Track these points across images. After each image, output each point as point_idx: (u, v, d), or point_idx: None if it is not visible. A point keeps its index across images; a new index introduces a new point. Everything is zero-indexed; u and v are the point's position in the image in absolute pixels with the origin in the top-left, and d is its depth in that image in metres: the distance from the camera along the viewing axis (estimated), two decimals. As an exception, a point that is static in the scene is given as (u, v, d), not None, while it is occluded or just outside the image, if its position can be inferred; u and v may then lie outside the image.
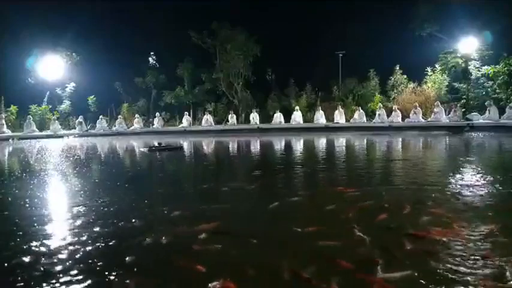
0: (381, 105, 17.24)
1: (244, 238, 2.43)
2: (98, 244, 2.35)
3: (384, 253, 2.08)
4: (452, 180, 4.19)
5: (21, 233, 2.64)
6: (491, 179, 4.24)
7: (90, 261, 2.08)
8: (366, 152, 8.73)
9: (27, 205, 3.46)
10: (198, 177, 5.61)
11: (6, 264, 2.11)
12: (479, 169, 5.06)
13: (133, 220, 2.88)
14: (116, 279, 1.87)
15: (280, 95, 21.12)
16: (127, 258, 2.12)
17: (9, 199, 3.94)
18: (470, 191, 3.55)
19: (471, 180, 4.15)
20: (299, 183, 4.65)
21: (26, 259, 2.14)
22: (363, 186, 3.99)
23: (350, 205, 3.10)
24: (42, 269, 2.00)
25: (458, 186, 3.81)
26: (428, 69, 18.23)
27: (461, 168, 5.26)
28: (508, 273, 1.76)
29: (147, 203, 3.53)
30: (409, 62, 18.09)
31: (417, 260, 1.97)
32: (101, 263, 2.05)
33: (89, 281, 1.85)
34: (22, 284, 1.85)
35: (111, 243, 2.38)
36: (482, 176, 4.42)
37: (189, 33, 20.87)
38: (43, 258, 2.13)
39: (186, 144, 11.51)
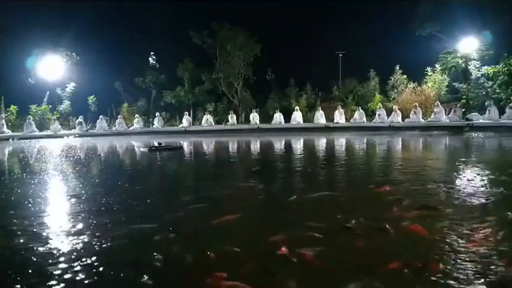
0: (381, 105, 17.26)
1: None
2: (101, 244, 2.35)
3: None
4: (454, 180, 4.20)
5: (19, 232, 2.63)
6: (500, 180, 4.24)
7: (93, 260, 2.08)
8: (374, 152, 8.73)
9: (30, 204, 3.46)
10: (202, 176, 5.60)
11: (8, 263, 2.11)
12: (482, 169, 5.06)
13: (138, 219, 2.88)
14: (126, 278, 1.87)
15: (280, 95, 21.14)
16: (136, 258, 2.12)
17: (13, 198, 3.93)
18: (474, 191, 3.55)
19: (475, 180, 4.15)
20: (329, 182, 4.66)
21: (29, 259, 2.14)
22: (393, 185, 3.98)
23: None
24: (44, 269, 2.00)
25: (461, 186, 3.82)
26: (428, 69, 18.26)
27: (464, 169, 5.26)
28: None
29: (149, 202, 3.53)
30: (409, 62, 18.13)
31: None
32: (105, 262, 2.05)
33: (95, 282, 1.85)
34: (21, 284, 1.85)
35: (114, 242, 2.38)
36: (486, 177, 4.41)
37: (189, 33, 20.90)
38: (45, 258, 2.13)
39: (186, 144, 11.51)
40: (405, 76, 18.88)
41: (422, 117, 15.87)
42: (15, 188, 4.56)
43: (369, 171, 5.49)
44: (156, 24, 21.04)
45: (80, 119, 18.93)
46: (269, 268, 1.90)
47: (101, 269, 1.97)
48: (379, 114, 16.65)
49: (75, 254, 2.17)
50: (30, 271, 1.97)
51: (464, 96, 17.07)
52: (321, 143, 11.19)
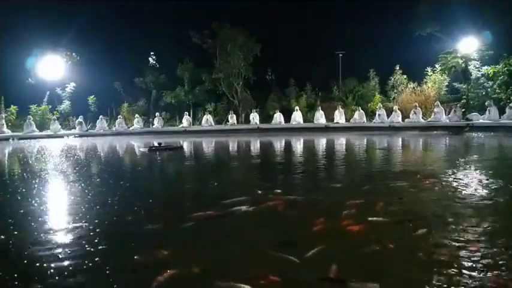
0: (381, 106, 17.26)
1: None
2: (107, 245, 2.35)
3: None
4: (442, 173, 4.21)
5: (21, 232, 2.64)
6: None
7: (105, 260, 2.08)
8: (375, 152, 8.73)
9: (36, 204, 3.46)
10: (205, 175, 5.59)
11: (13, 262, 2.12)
12: (481, 168, 5.06)
13: (137, 218, 2.88)
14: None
15: (280, 95, 21.13)
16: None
17: (18, 198, 3.93)
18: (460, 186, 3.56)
19: (464, 177, 4.16)
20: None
21: (37, 260, 2.15)
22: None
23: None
24: (50, 270, 2.00)
25: (451, 179, 3.83)
26: (428, 69, 18.25)
27: (460, 167, 5.26)
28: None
29: (151, 202, 3.54)
30: (409, 62, 18.12)
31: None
32: (111, 262, 2.05)
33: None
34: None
35: (120, 243, 2.39)
36: (486, 177, 4.42)
37: (189, 33, 20.88)
38: (52, 259, 2.13)
39: (186, 144, 11.51)
40: (405, 76, 18.86)
41: (422, 117, 15.86)
42: (19, 187, 4.56)
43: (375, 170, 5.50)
44: (156, 24, 21.04)
45: (80, 119, 18.91)
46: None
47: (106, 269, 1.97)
48: (379, 115, 16.64)
49: (75, 252, 2.17)
50: (29, 268, 1.97)
51: (464, 96, 17.07)
52: (322, 143, 11.19)
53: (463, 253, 2.02)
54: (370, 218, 2.69)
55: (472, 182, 4.00)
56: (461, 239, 2.23)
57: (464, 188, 3.67)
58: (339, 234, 2.42)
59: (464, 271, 1.80)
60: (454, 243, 2.15)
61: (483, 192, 3.51)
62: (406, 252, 2.12)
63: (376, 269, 1.91)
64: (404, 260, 2.02)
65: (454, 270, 1.81)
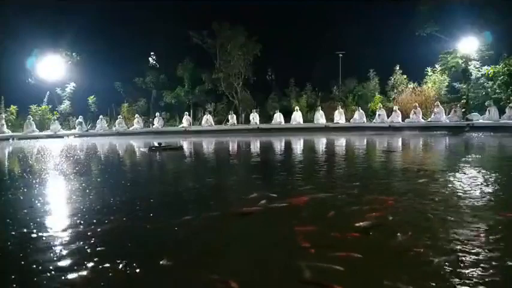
0: (381, 106, 17.27)
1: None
2: (106, 246, 2.34)
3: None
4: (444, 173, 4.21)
5: (30, 234, 2.63)
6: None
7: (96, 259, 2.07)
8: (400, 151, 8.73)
9: (39, 204, 3.46)
10: (206, 174, 5.59)
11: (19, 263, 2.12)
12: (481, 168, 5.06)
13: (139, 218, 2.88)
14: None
15: (280, 95, 21.15)
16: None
17: (21, 197, 3.92)
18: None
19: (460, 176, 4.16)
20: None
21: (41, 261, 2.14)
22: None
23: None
24: (52, 270, 1.99)
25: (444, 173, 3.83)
26: (428, 69, 18.26)
27: (461, 166, 5.26)
28: None
29: (152, 202, 3.53)
30: (409, 62, 18.16)
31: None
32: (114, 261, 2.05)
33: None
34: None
35: (120, 243, 2.38)
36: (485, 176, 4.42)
37: (189, 33, 20.91)
38: (51, 259, 2.13)
39: (186, 144, 11.51)
40: (405, 76, 18.89)
41: (423, 118, 15.87)
42: (19, 187, 4.56)
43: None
44: (156, 24, 21.06)
45: (80, 119, 18.93)
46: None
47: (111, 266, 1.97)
48: (379, 115, 16.65)
49: (74, 253, 2.16)
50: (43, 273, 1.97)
51: (464, 97, 17.07)
52: (323, 143, 11.19)
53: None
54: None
55: (475, 180, 3.99)
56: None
57: (470, 186, 3.67)
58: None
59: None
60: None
61: (488, 190, 3.51)
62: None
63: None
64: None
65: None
